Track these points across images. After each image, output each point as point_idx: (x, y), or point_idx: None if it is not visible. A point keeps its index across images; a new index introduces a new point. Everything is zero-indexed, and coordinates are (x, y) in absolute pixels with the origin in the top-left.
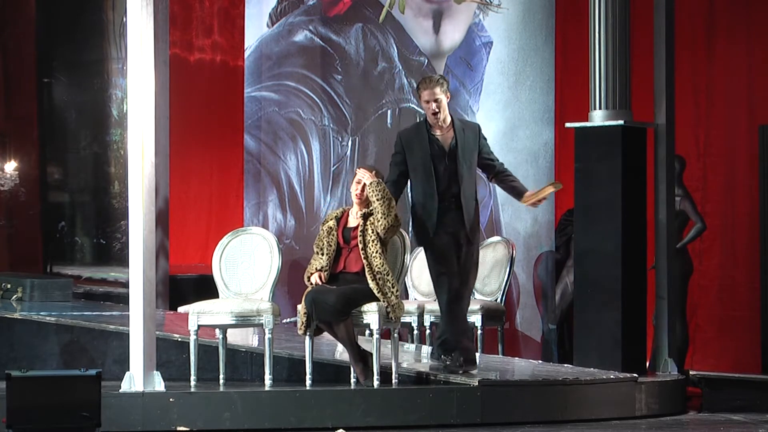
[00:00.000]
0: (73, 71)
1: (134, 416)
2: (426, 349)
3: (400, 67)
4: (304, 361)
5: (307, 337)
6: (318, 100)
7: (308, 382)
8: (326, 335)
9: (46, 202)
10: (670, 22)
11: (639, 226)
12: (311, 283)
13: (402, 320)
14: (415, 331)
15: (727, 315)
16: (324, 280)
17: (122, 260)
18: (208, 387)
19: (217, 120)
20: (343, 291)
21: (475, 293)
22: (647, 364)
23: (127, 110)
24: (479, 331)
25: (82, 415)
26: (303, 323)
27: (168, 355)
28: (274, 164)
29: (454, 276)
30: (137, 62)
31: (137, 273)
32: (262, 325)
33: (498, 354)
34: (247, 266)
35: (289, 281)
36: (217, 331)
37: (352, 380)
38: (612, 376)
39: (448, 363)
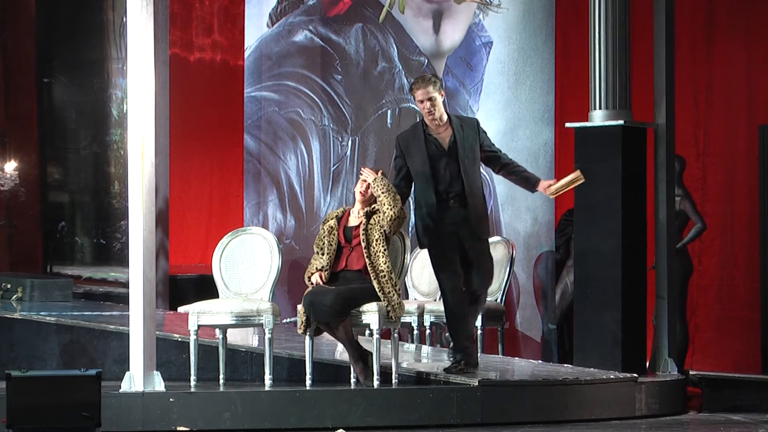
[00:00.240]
0: (73, 71)
1: (134, 416)
2: (426, 349)
3: (400, 67)
4: (304, 361)
5: (307, 337)
6: (318, 100)
7: (308, 382)
8: (326, 335)
9: (46, 202)
10: (670, 22)
11: (639, 226)
12: (312, 283)
13: (402, 320)
14: (415, 331)
15: (727, 315)
16: (324, 280)
17: (122, 260)
18: (208, 387)
19: (217, 120)
20: (340, 291)
21: None
22: (647, 364)
23: (127, 110)
24: (479, 331)
25: (82, 415)
26: (303, 323)
27: (168, 355)
28: (274, 164)
29: (454, 278)
30: (137, 62)
31: (137, 273)
32: (262, 325)
33: (498, 354)
34: (247, 266)
35: (289, 281)
36: (217, 331)
37: (352, 380)
38: (612, 376)
39: (448, 366)
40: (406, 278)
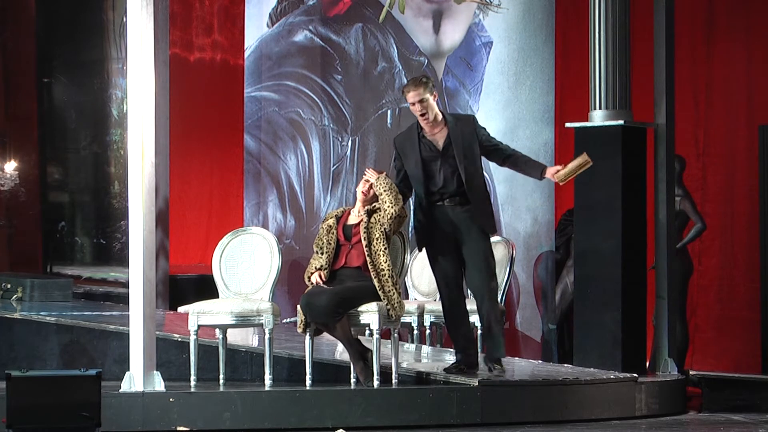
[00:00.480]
0: (73, 71)
1: (134, 416)
2: (426, 349)
3: (400, 67)
4: (304, 361)
5: (307, 337)
6: (318, 100)
7: (308, 382)
8: (326, 335)
9: (46, 202)
10: (670, 22)
11: (639, 226)
12: (311, 283)
13: (402, 320)
14: (415, 331)
15: (727, 315)
16: (324, 279)
17: (122, 260)
18: (208, 387)
19: (217, 120)
20: (337, 291)
21: None
22: (647, 364)
23: (127, 110)
24: (479, 331)
25: (82, 415)
26: (303, 323)
27: (168, 355)
28: (274, 164)
29: (448, 279)
30: (137, 62)
31: (137, 273)
32: (262, 325)
33: None
34: (247, 266)
35: (289, 281)
36: (217, 331)
37: (352, 380)
38: (612, 376)
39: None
40: (406, 278)
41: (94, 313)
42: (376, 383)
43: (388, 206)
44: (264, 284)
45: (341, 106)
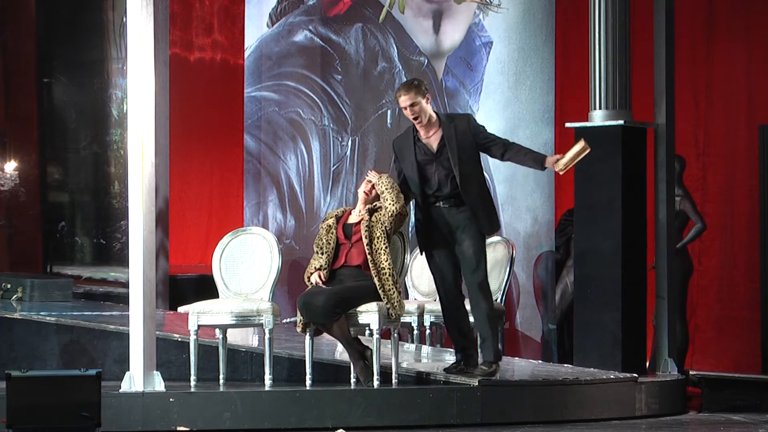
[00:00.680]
0: (73, 71)
1: (134, 416)
2: (426, 349)
3: (400, 67)
4: (304, 361)
5: (307, 337)
6: (318, 100)
7: (308, 382)
8: (327, 335)
9: (46, 202)
10: (669, 22)
11: (639, 226)
12: (311, 283)
13: (402, 320)
14: (415, 331)
15: (727, 315)
16: (324, 279)
17: (122, 260)
18: (208, 387)
19: (217, 120)
20: (335, 291)
21: None
22: (647, 364)
23: (127, 110)
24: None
25: (82, 415)
26: (302, 323)
27: (168, 355)
28: (274, 164)
29: (443, 281)
30: (137, 62)
31: (137, 273)
32: (262, 325)
33: None
34: (247, 266)
35: (289, 281)
36: (217, 331)
37: (352, 380)
38: (612, 376)
39: (447, 366)
40: (406, 278)
41: (94, 313)
42: (376, 383)
43: (390, 204)
44: (264, 284)
45: (341, 106)
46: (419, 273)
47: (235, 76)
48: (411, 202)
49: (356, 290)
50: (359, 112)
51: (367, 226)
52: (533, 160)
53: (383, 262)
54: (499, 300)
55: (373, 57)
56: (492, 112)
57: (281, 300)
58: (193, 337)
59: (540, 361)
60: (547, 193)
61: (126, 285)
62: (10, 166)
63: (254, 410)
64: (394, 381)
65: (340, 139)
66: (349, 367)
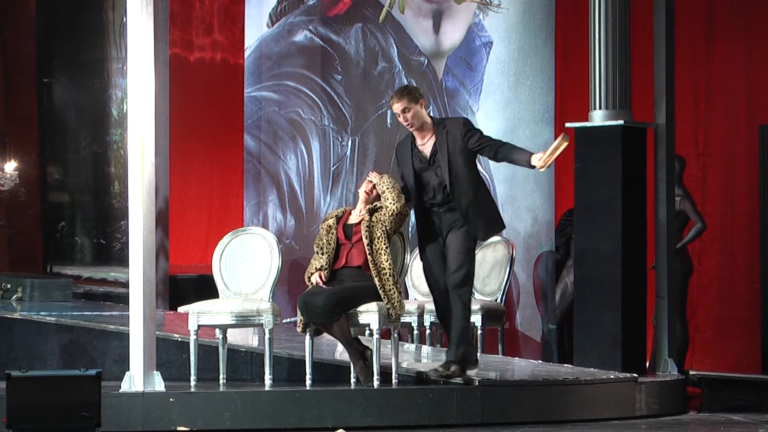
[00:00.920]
0: (73, 71)
1: (134, 416)
2: (426, 349)
3: (400, 67)
4: (304, 361)
5: (307, 337)
6: (318, 100)
7: (308, 382)
8: (327, 335)
9: (46, 202)
10: (670, 22)
11: (639, 226)
12: (311, 283)
13: (402, 320)
14: (415, 331)
15: (727, 315)
16: (324, 279)
17: (122, 260)
18: (208, 387)
19: (217, 120)
20: (335, 291)
21: (475, 293)
22: (647, 364)
23: (127, 110)
24: (479, 331)
25: (82, 415)
26: (302, 323)
27: (168, 355)
28: (274, 164)
29: (435, 285)
30: (137, 62)
31: (137, 273)
32: (262, 325)
33: (498, 354)
34: (247, 266)
35: (289, 281)
36: (217, 331)
37: (352, 380)
38: (612, 376)
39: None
40: (406, 278)
41: (94, 313)
42: (376, 383)
43: (390, 203)
44: (264, 284)
45: (341, 106)
46: (419, 273)
47: (235, 76)
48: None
49: (356, 290)
50: (359, 112)
51: (367, 226)
52: (521, 157)
53: (384, 262)
54: (499, 300)
55: (373, 57)
56: (492, 112)
57: (281, 300)
58: (193, 337)
59: (540, 361)
60: (547, 193)
61: (126, 285)
62: (10, 166)
63: (254, 410)
64: (394, 381)
65: (340, 139)
66: (349, 367)
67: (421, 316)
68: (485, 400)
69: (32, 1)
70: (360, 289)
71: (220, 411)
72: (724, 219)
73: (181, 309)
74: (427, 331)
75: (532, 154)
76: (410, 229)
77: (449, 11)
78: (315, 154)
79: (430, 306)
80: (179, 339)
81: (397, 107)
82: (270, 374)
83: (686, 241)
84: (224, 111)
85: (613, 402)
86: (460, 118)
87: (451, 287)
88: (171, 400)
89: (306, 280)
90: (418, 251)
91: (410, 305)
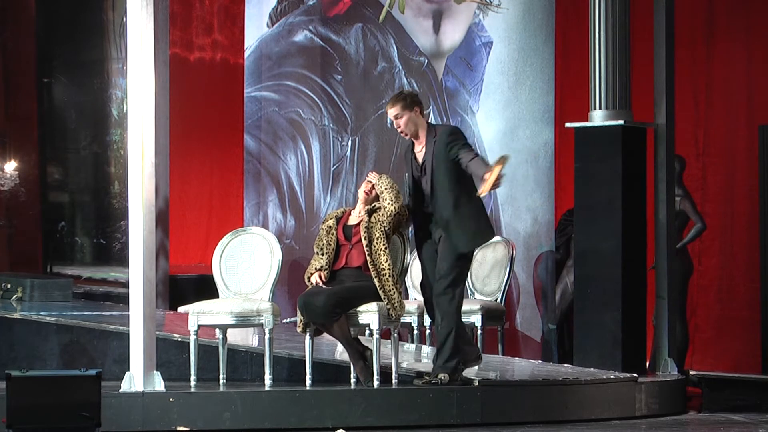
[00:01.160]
0: (73, 71)
1: (134, 416)
2: (426, 349)
3: (400, 67)
4: (304, 361)
5: (307, 337)
6: (318, 100)
7: (308, 382)
8: (327, 335)
9: (46, 202)
10: (669, 22)
11: (639, 226)
12: (311, 283)
13: (402, 320)
14: (415, 331)
15: (727, 315)
16: (324, 280)
17: (122, 260)
18: (208, 387)
19: (217, 120)
20: (334, 291)
21: (475, 293)
22: (647, 364)
23: (127, 110)
24: (479, 331)
25: (82, 415)
26: (302, 323)
27: (168, 355)
28: (274, 164)
29: (426, 293)
30: (137, 62)
31: (137, 273)
32: (262, 325)
33: (498, 354)
34: (247, 266)
35: (289, 281)
36: (217, 331)
37: (352, 380)
38: (612, 376)
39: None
40: (406, 278)
41: (94, 313)
42: (376, 383)
43: (388, 203)
44: (264, 284)
45: (341, 106)
46: (419, 273)
47: (235, 76)
48: None
49: (356, 290)
50: (359, 112)
51: (366, 227)
52: (477, 175)
53: (383, 263)
54: (499, 300)
55: (373, 57)
56: (492, 112)
57: (281, 300)
58: (193, 337)
59: (540, 361)
60: (547, 193)
61: (126, 285)
62: (10, 166)
63: (254, 410)
64: (394, 381)
65: (340, 139)
66: (349, 367)
67: (421, 316)
68: (485, 400)
69: (32, 1)
70: (360, 290)
71: (220, 411)
72: (724, 219)
73: (181, 309)
74: (427, 331)
75: (485, 169)
76: (410, 229)
77: (449, 11)
78: (315, 154)
79: None
80: (179, 339)
81: (390, 113)
82: (270, 374)
83: (686, 241)
84: (224, 111)
85: (613, 402)
86: (450, 126)
87: (434, 294)
88: (171, 400)
89: (306, 280)
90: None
91: (410, 305)
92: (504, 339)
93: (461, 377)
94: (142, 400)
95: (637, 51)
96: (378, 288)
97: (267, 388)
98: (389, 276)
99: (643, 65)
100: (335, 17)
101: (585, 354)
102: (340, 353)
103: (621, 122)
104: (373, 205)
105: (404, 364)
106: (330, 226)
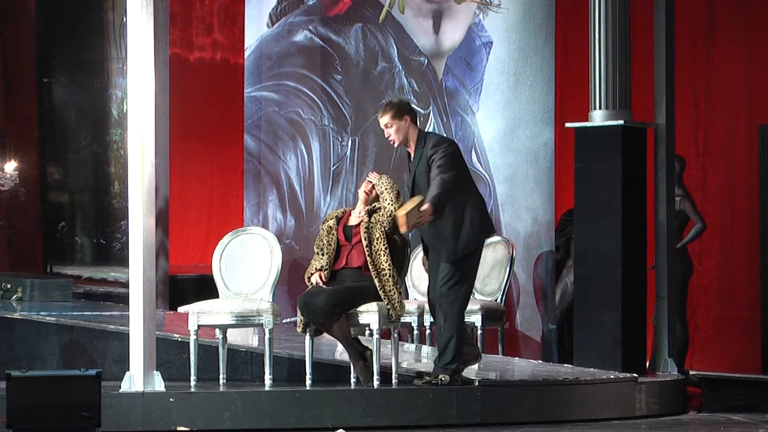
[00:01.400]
0: (73, 71)
1: (134, 416)
2: (426, 349)
3: (400, 67)
4: (304, 361)
5: (307, 337)
6: (318, 100)
7: (308, 382)
8: (327, 335)
9: (46, 202)
10: (670, 22)
11: (639, 226)
12: (311, 283)
13: (402, 320)
14: (415, 331)
15: (727, 315)
16: (324, 280)
17: (122, 260)
18: (208, 387)
19: (217, 120)
20: (334, 291)
21: (475, 293)
22: (647, 364)
23: (127, 110)
24: (479, 331)
25: (82, 415)
26: (302, 323)
27: (168, 355)
28: (274, 164)
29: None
30: (137, 62)
31: (137, 273)
32: (262, 325)
33: (498, 354)
34: (247, 266)
35: (289, 281)
36: (217, 331)
37: (352, 380)
38: (612, 376)
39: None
40: (406, 278)
41: (94, 313)
42: (376, 383)
43: (388, 204)
44: (264, 284)
45: (341, 106)
46: (419, 273)
47: (235, 76)
48: None
49: (356, 290)
50: (359, 112)
51: (366, 228)
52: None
53: (383, 263)
54: (499, 300)
55: (373, 57)
56: (492, 112)
57: (281, 300)
58: (193, 337)
59: (540, 361)
60: (547, 193)
61: (126, 285)
62: (10, 166)
63: (254, 410)
64: (394, 381)
65: (340, 139)
66: (349, 367)
67: (421, 316)
68: (485, 400)
69: (32, 1)
70: (360, 290)
71: (220, 411)
72: (724, 219)
73: (181, 309)
74: (427, 331)
75: (425, 199)
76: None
77: (449, 11)
78: (315, 154)
79: None
80: (179, 339)
81: (381, 122)
82: (270, 374)
83: (686, 241)
84: (224, 111)
85: (613, 402)
86: (438, 138)
87: (436, 296)
88: (171, 400)
89: (306, 280)
90: (418, 251)
91: (410, 305)
92: (504, 339)
93: (461, 377)
94: (142, 400)
95: (637, 51)
96: (378, 288)
97: (267, 388)
98: (389, 276)
99: (643, 65)
100: (335, 17)
101: (585, 354)
102: (340, 353)
103: (621, 122)
104: (373, 205)
105: (404, 364)
106: (330, 227)
